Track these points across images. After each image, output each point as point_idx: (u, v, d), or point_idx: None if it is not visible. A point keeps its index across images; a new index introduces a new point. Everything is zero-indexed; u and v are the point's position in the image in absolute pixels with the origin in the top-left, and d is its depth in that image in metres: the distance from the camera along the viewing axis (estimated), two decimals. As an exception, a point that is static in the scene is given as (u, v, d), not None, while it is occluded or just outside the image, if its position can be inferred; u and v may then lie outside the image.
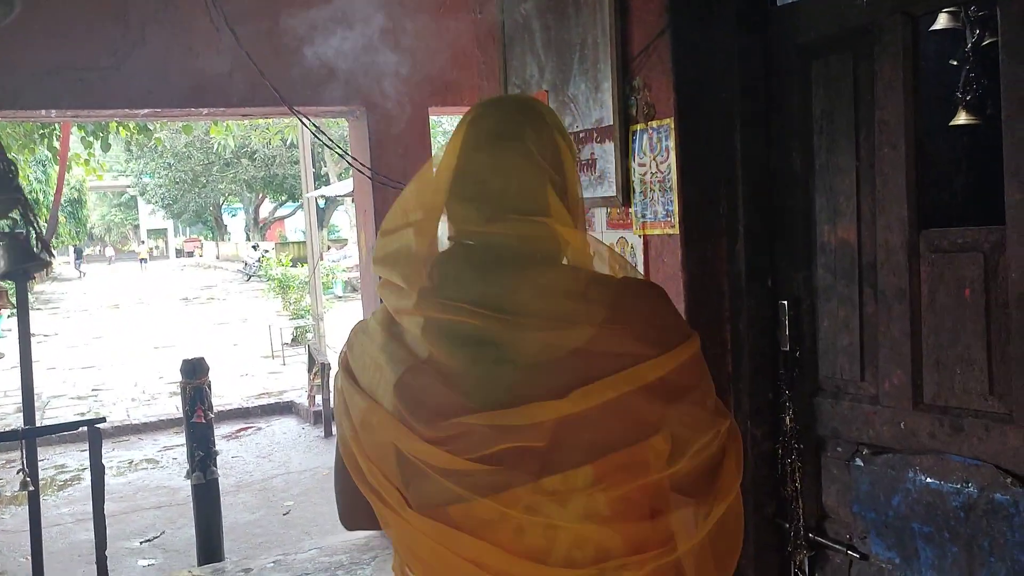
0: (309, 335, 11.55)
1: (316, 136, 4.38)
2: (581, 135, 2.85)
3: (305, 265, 13.51)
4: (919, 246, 2.15)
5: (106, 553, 3.82)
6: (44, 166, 14.81)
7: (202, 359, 4.72)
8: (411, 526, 1.28)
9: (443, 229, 1.35)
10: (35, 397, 3.75)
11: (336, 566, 4.08)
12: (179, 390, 4.78)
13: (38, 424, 3.91)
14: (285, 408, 9.32)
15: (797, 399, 2.48)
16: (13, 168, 3.27)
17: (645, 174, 2.62)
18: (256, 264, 25.74)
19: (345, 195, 15.39)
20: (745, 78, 2.49)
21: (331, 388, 8.82)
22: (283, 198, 32.65)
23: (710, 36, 2.50)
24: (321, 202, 23.11)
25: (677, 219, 2.51)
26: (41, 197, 16.03)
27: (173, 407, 9.11)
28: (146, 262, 39.89)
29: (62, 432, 5.07)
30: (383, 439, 1.30)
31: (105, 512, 3.71)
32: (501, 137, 1.31)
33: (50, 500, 6.45)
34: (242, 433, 8.48)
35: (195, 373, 4.63)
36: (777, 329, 2.52)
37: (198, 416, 4.54)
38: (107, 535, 3.79)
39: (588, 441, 1.22)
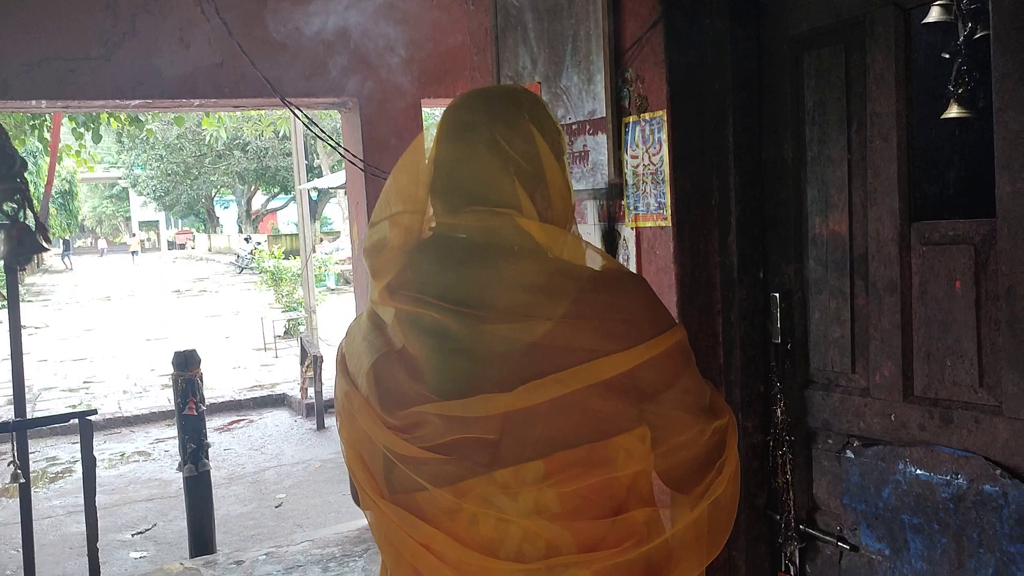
0: (302, 328, 11.53)
1: (308, 128, 4.37)
2: (574, 127, 2.84)
3: (298, 257, 13.49)
4: (910, 238, 2.16)
5: (98, 545, 3.81)
6: (35, 157, 14.72)
7: (194, 351, 4.71)
8: (380, 511, 1.31)
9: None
10: (26, 389, 3.73)
11: (328, 558, 4.09)
12: (171, 382, 4.77)
13: (29, 416, 3.89)
14: (277, 401, 9.32)
15: (788, 391, 2.48)
16: (19, 157, 3.26)
17: (637, 166, 2.61)
18: (248, 256, 25.69)
19: (338, 187, 15.37)
20: (737, 70, 2.49)
21: (324, 381, 8.83)
22: (275, 190, 32.59)
23: (703, 28, 2.50)
24: (314, 194, 23.06)
25: (669, 211, 2.51)
26: (32, 188, 15.96)
27: (165, 399, 9.10)
28: (137, 254, 39.70)
29: (53, 424, 5.07)
30: (361, 425, 1.32)
31: (97, 504, 3.70)
32: (467, 128, 1.31)
33: (41, 492, 6.44)
34: (234, 425, 8.47)
35: (187, 365, 4.63)
36: (768, 321, 2.53)
37: (190, 408, 4.53)
38: (99, 527, 3.78)
39: (539, 436, 1.21)
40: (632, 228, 2.67)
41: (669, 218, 2.51)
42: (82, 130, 7.28)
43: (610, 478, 1.24)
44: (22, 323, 3.63)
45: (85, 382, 11.00)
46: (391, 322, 1.32)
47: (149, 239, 53.51)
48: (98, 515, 3.73)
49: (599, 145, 2.75)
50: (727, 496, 1.33)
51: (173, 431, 6.68)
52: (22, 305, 3.93)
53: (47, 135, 7.23)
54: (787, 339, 2.49)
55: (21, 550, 3.73)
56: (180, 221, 52.21)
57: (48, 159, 7.87)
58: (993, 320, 1.98)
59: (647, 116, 2.56)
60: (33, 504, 3.83)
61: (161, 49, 3.64)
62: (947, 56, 2.19)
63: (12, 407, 3.75)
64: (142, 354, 12.77)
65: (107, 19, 3.57)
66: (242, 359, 11.96)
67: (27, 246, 3.30)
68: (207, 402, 4.93)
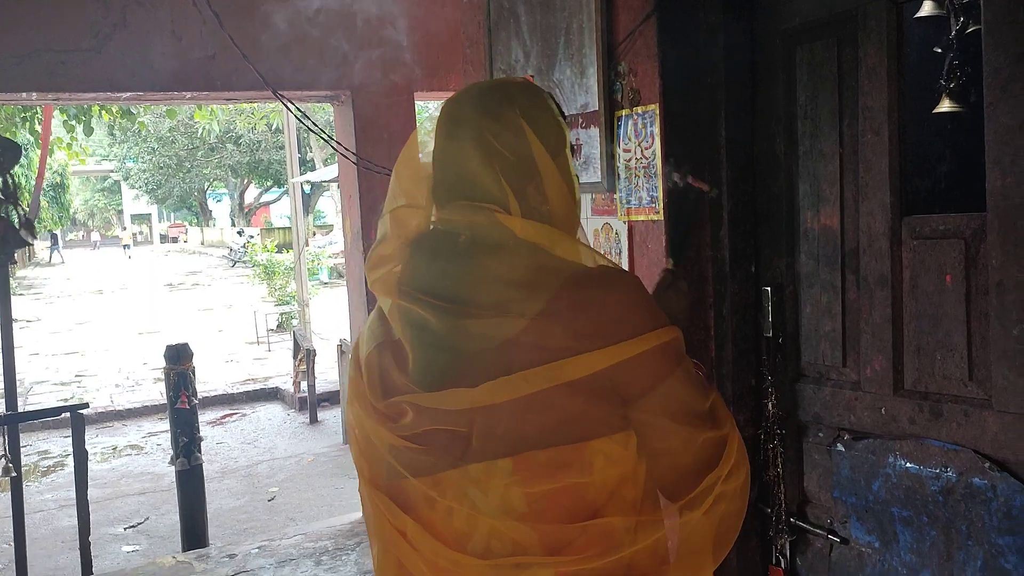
0: (294, 321, 11.51)
1: (301, 121, 4.35)
2: (566, 120, 2.84)
3: (290, 251, 13.45)
4: (901, 232, 2.17)
5: (90, 539, 3.81)
6: (26, 150, 14.65)
7: (186, 344, 4.70)
8: (368, 496, 1.35)
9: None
10: (17, 383, 3.72)
11: (321, 551, 4.09)
12: (163, 376, 4.76)
13: (20, 410, 3.88)
14: (270, 394, 9.31)
15: (779, 385, 2.49)
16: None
17: (630, 160, 2.62)
18: (241, 250, 25.62)
19: (331, 181, 15.32)
20: (730, 64, 2.49)
21: (316, 375, 8.80)
22: (268, 183, 32.47)
23: (696, 22, 2.49)
24: (307, 188, 23.00)
25: (661, 205, 2.51)
26: (23, 181, 15.88)
27: (157, 393, 9.08)
28: (129, 248, 39.54)
29: (45, 418, 5.05)
30: (357, 410, 1.36)
31: (89, 498, 3.70)
32: (456, 123, 1.32)
33: (33, 486, 6.43)
34: (227, 419, 8.46)
35: (179, 359, 4.61)
36: (760, 315, 2.53)
37: (182, 402, 4.52)
38: (91, 521, 3.78)
39: (506, 433, 1.21)
40: (624, 222, 2.67)
41: (661, 212, 2.51)
42: (73, 123, 7.24)
43: (583, 482, 1.21)
44: (13, 317, 3.62)
45: (77, 376, 10.97)
46: (388, 313, 1.34)
47: (141, 232, 53.32)
48: (90, 509, 3.73)
49: (592, 139, 2.75)
50: (729, 513, 1.30)
51: (165, 425, 6.67)
52: (13, 299, 3.91)
53: (38, 128, 7.19)
54: (778, 333, 2.49)
55: (12, 544, 3.73)
56: (173, 214, 52.01)
57: (39, 152, 7.83)
58: (983, 314, 1.99)
59: (640, 110, 2.56)
60: (25, 498, 3.83)
61: (152, 41, 3.63)
62: (939, 50, 2.19)
63: (3, 401, 3.74)
64: (134, 348, 12.74)
65: (98, 11, 3.55)
66: (235, 353, 11.94)
67: (10, 242, 3.29)
68: (199, 396, 4.93)
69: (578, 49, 2.76)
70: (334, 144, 4.14)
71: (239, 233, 31.68)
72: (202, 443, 4.70)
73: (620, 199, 2.68)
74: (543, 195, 1.29)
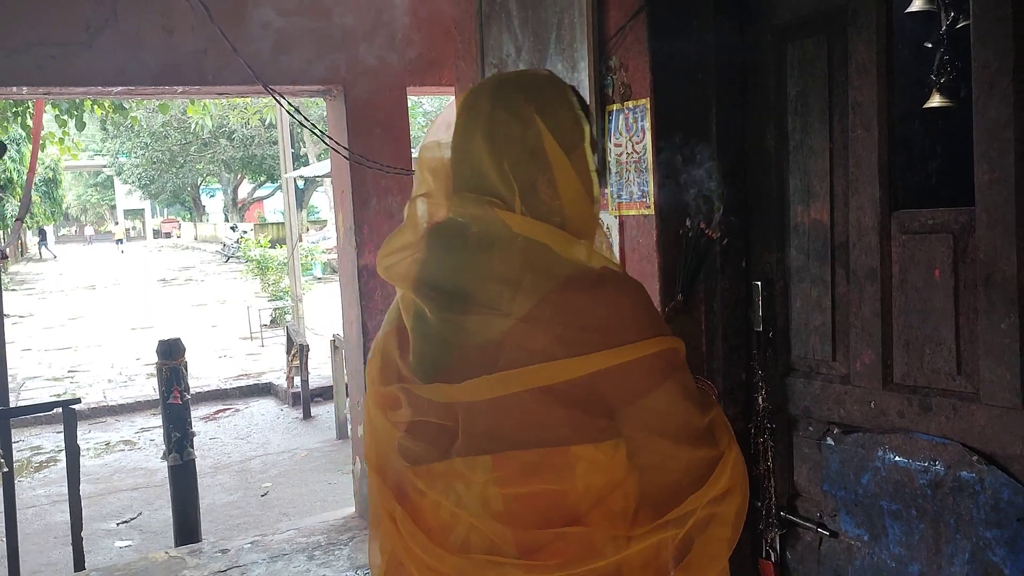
0: (288, 317, 11.50)
1: (293, 116, 4.35)
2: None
3: (284, 246, 13.43)
4: (890, 227, 2.17)
5: (82, 534, 3.81)
6: (18, 145, 14.59)
7: (178, 340, 4.69)
8: (371, 479, 1.39)
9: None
10: (9, 378, 3.72)
11: (314, 546, 4.09)
12: (156, 371, 4.75)
13: (12, 405, 3.87)
14: (263, 390, 9.30)
15: (770, 379, 2.50)
16: None
17: (621, 154, 2.62)
18: (235, 245, 25.56)
19: (324, 176, 15.30)
20: (721, 59, 2.49)
21: (310, 370, 8.77)
22: (262, 179, 32.42)
23: (687, 17, 2.50)
24: (300, 183, 22.96)
25: (652, 200, 2.51)
26: (15, 176, 15.81)
27: (150, 388, 9.06)
28: (122, 243, 39.42)
29: (37, 413, 5.05)
30: (368, 393, 1.42)
31: (81, 493, 3.70)
32: (470, 113, 1.31)
33: (25, 482, 6.41)
34: (220, 415, 8.45)
35: (171, 354, 4.60)
36: (750, 310, 2.54)
37: (174, 397, 4.51)
38: (83, 516, 3.78)
39: (485, 432, 1.22)
40: (615, 216, 2.68)
41: (652, 206, 2.52)
42: (65, 117, 7.20)
43: (561, 488, 1.20)
44: (5, 312, 3.61)
45: (70, 371, 10.94)
46: (400, 300, 1.37)
47: (134, 227, 53.18)
48: (83, 504, 3.73)
49: (583, 134, 2.75)
50: (721, 538, 1.26)
51: (158, 420, 6.66)
52: (5, 294, 3.90)
53: (30, 122, 7.16)
54: (769, 327, 2.50)
55: (5, 539, 3.73)
56: (166, 210, 51.88)
57: (31, 146, 7.80)
58: (971, 308, 2.00)
59: (631, 104, 2.56)
60: (17, 493, 3.82)
61: (143, 36, 3.61)
62: (929, 46, 2.20)
63: (-5, 396, 3.73)
64: (127, 343, 12.70)
65: (89, 5, 3.54)
66: (228, 348, 11.93)
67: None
68: (192, 391, 4.91)
69: (569, 44, 2.76)
70: (326, 139, 4.14)
71: (232, 228, 31.61)
72: (195, 438, 4.69)
73: (611, 194, 2.68)
74: (555, 190, 1.25)
